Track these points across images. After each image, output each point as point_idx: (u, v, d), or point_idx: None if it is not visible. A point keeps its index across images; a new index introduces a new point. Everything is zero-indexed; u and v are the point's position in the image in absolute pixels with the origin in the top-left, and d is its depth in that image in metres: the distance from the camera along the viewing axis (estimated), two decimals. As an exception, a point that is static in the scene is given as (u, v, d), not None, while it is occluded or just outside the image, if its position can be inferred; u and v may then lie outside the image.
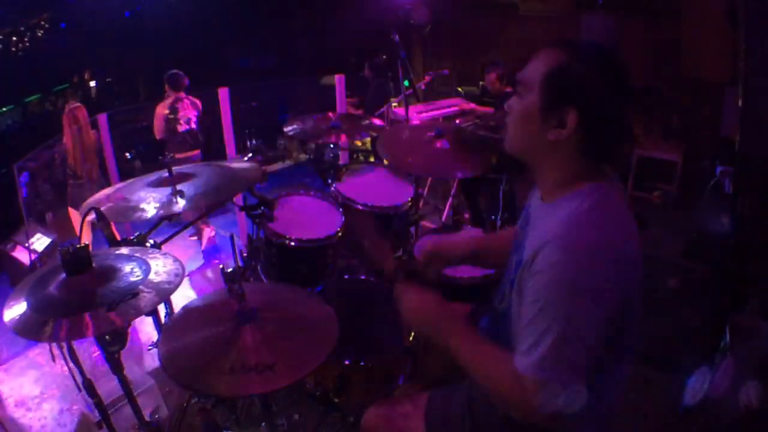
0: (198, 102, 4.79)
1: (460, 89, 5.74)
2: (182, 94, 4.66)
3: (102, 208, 1.61)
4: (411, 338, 1.79)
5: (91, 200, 1.84)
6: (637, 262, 1.06)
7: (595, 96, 1.04)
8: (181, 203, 1.72)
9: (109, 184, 4.33)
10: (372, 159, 3.56)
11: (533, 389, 1.01)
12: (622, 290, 1.01)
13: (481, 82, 5.08)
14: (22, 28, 7.60)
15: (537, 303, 1.02)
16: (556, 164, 1.12)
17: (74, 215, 4.42)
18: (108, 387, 2.15)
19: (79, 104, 4.40)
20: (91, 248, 1.40)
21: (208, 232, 4.62)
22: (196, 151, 4.82)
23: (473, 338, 1.19)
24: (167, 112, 4.58)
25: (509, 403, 1.09)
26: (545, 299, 1.00)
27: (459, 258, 1.56)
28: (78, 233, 1.57)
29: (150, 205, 1.71)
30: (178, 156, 4.54)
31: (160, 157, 1.91)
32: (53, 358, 2.97)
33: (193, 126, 4.73)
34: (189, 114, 4.69)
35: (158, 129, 4.64)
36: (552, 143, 1.09)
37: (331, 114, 2.85)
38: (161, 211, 1.69)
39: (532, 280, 1.04)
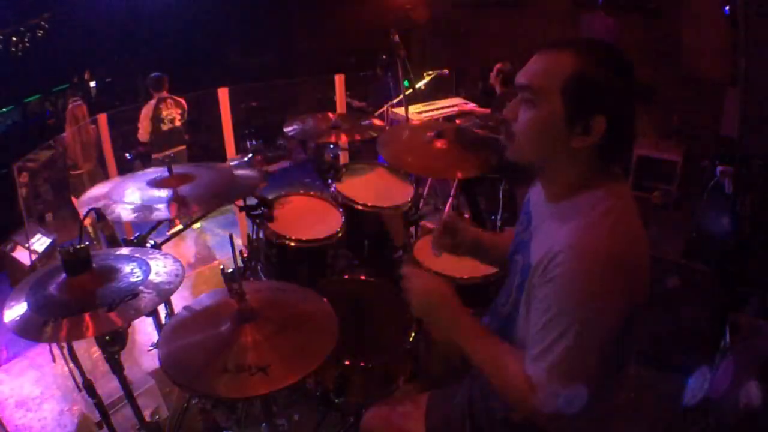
0: (182, 101, 4.99)
1: (461, 90, 5.75)
2: (165, 94, 4.87)
3: (100, 204, 1.61)
4: (411, 338, 1.79)
5: (89, 197, 1.83)
6: (646, 267, 1.06)
7: (620, 101, 1.03)
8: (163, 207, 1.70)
9: (107, 177, 4.44)
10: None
11: (543, 394, 1.02)
12: (633, 296, 1.01)
13: (480, 82, 5.09)
14: (22, 28, 7.60)
15: (550, 310, 1.02)
16: (572, 169, 1.09)
17: (77, 203, 4.57)
18: (108, 387, 2.15)
19: (79, 102, 4.59)
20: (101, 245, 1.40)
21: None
22: (182, 147, 5.06)
23: (487, 335, 1.18)
24: (152, 113, 4.80)
25: (517, 403, 1.10)
26: (558, 307, 1.00)
27: (470, 240, 1.50)
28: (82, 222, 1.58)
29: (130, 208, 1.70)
30: (162, 154, 4.81)
31: (155, 156, 1.92)
32: (53, 359, 2.97)
33: (177, 124, 4.94)
34: (173, 113, 4.91)
35: (143, 131, 4.85)
36: (572, 149, 1.05)
37: (331, 114, 2.85)
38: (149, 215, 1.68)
39: (546, 287, 1.03)
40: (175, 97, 4.95)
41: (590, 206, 1.05)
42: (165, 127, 4.87)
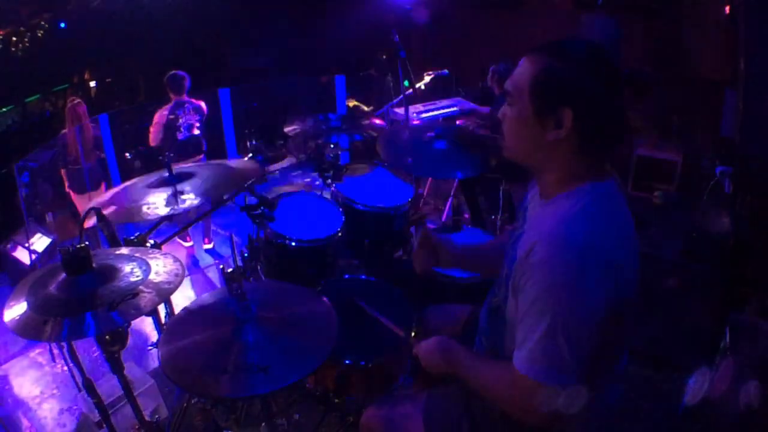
0: (201, 105, 4.45)
1: (461, 90, 5.74)
2: (185, 98, 4.33)
3: (106, 212, 1.61)
4: (411, 338, 1.79)
5: (94, 204, 1.84)
6: (631, 265, 1.07)
7: (586, 92, 1.06)
8: (187, 199, 1.73)
9: (105, 174, 4.45)
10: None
11: (526, 384, 1.03)
12: (611, 291, 1.02)
13: (480, 82, 5.08)
14: (22, 28, 7.60)
15: (528, 299, 1.05)
16: (556, 164, 1.13)
17: (75, 198, 4.53)
18: (108, 387, 2.16)
19: (79, 100, 4.46)
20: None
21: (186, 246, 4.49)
22: (200, 156, 4.52)
23: (472, 359, 1.25)
24: (166, 120, 4.26)
25: (509, 402, 1.12)
26: (535, 295, 1.03)
27: (451, 256, 1.57)
28: (81, 215, 1.58)
29: (156, 204, 1.72)
30: (179, 165, 4.41)
31: (160, 158, 1.91)
32: (53, 358, 2.97)
33: (195, 132, 4.40)
34: (191, 120, 4.36)
35: (154, 136, 4.34)
36: (551, 143, 1.10)
37: (331, 114, 2.85)
38: (169, 210, 1.70)
39: (524, 277, 1.06)
40: (194, 101, 4.34)
41: (572, 201, 1.08)
42: (180, 136, 4.30)
